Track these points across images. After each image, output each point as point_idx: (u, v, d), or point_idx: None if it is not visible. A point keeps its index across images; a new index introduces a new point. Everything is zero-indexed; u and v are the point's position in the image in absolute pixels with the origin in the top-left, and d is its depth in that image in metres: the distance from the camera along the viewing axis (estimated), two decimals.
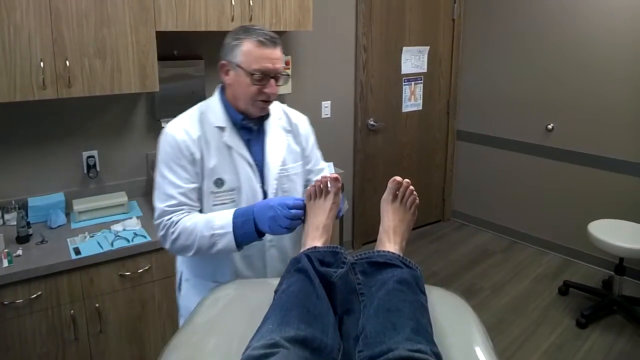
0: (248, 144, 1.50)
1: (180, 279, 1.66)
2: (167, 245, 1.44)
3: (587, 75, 3.48)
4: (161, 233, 1.43)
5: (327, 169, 1.70)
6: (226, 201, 1.45)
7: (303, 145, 1.63)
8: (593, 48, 3.42)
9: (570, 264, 3.70)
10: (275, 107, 1.59)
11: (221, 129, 1.46)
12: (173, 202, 1.41)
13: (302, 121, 1.66)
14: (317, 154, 1.69)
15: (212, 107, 1.49)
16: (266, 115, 1.53)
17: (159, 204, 1.43)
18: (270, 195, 1.50)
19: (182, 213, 1.42)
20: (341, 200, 1.43)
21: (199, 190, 1.45)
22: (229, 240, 1.36)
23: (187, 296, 1.61)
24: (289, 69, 3.16)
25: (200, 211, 1.46)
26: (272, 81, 1.41)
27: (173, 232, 1.40)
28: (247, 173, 1.48)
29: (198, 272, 1.58)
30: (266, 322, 0.98)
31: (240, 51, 1.38)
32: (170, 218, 1.41)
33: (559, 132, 3.70)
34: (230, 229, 1.36)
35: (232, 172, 1.46)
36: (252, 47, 1.38)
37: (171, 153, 1.42)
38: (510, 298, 3.26)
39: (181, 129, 1.44)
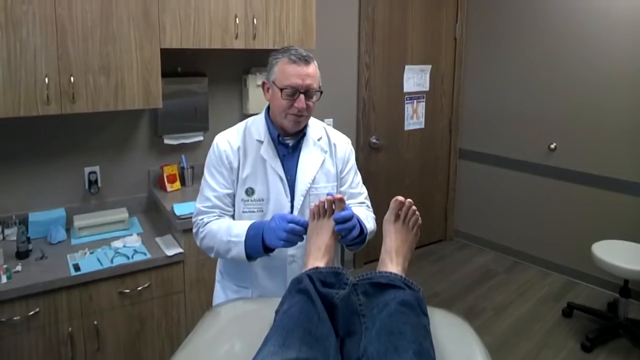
0: (283, 159, 1.57)
1: (217, 278, 1.77)
2: (197, 243, 1.58)
3: (589, 95, 3.49)
4: (194, 230, 1.58)
5: (363, 195, 1.71)
6: (255, 210, 1.54)
7: (339, 167, 1.64)
8: (596, 67, 3.43)
9: (574, 286, 3.66)
10: (318, 127, 1.64)
11: (260, 142, 1.55)
12: (208, 203, 1.55)
13: (341, 143, 1.67)
14: (354, 177, 1.69)
15: (257, 122, 1.59)
16: (303, 133, 1.57)
17: (198, 204, 1.58)
18: (296, 210, 1.54)
19: (215, 215, 1.54)
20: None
21: (233, 197, 1.56)
22: (240, 250, 1.44)
23: (216, 294, 1.73)
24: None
25: (233, 217, 1.56)
26: (302, 96, 1.46)
27: (202, 232, 1.54)
28: (277, 186, 1.54)
29: (226, 273, 1.69)
30: (267, 344, 0.97)
31: (275, 70, 1.48)
32: (203, 218, 1.54)
33: (562, 151, 3.69)
34: (243, 239, 1.43)
35: (263, 183, 1.54)
36: (284, 65, 1.46)
37: (214, 160, 1.57)
38: (513, 320, 3.21)
39: (225, 140, 1.57)
